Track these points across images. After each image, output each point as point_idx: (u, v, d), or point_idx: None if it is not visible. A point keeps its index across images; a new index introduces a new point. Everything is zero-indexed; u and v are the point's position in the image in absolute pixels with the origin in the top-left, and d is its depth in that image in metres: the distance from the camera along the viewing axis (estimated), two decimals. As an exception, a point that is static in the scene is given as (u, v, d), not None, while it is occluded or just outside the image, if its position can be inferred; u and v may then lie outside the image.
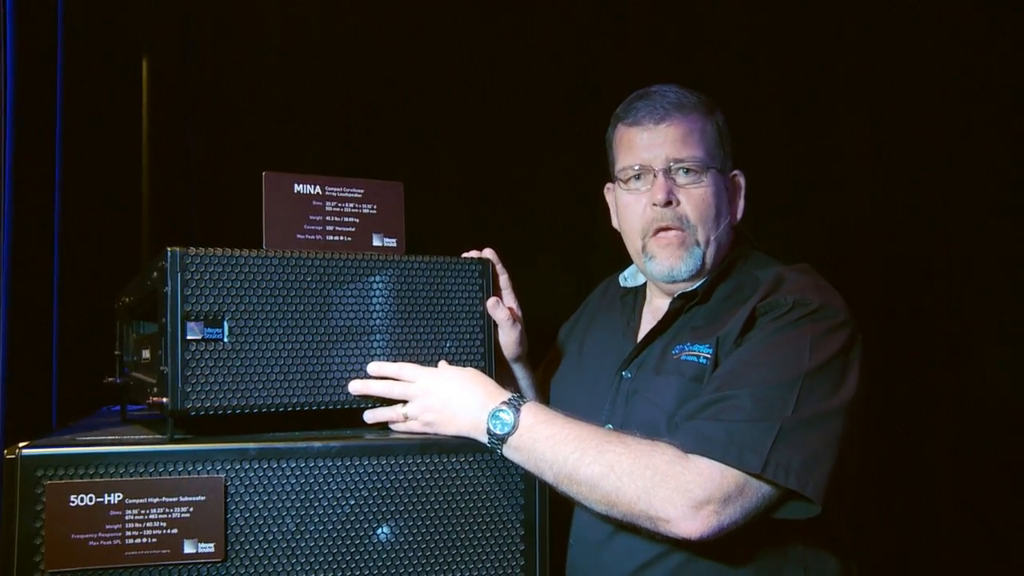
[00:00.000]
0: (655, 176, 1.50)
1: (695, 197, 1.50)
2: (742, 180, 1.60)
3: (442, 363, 1.40)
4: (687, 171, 1.50)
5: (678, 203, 1.49)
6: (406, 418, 1.35)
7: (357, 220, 1.43)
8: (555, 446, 1.27)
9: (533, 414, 1.30)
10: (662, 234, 1.51)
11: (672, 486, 1.22)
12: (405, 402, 1.36)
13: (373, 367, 1.35)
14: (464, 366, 1.42)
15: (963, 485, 2.51)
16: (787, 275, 1.45)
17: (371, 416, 1.36)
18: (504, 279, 1.53)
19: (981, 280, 2.51)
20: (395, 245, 1.45)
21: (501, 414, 1.30)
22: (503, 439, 1.29)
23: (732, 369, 1.35)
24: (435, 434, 1.34)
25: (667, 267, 1.51)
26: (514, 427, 1.29)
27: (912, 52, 2.54)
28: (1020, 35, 2.49)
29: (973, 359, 2.52)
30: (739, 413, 1.27)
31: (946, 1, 2.52)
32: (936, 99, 2.54)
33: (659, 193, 1.49)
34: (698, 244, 1.50)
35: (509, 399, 1.32)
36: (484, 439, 1.31)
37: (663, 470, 1.23)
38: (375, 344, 1.36)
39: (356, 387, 1.34)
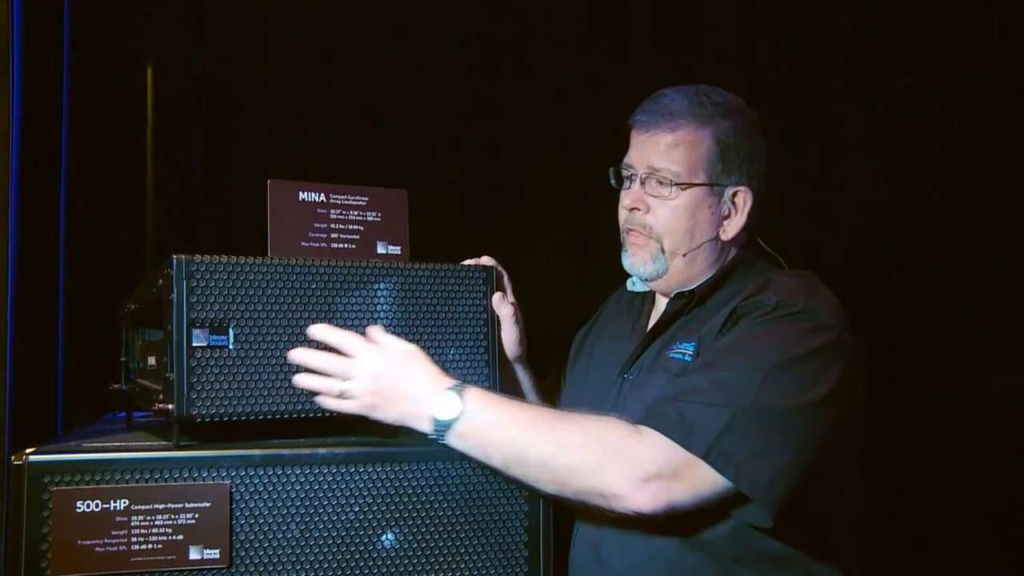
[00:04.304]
0: (633, 180, 1.53)
1: (662, 209, 1.49)
2: (747, 198, 1.50)
3: (376, 332, 1.32)
4: (660, 182, 1.49)
5: (647, 211, 1.51)
6: (342, 394, 1.28)
7: (361, 228, 1.44)
8: (503, 429, 1.25)
9: (477, 398, 1.27)
10: (631, 234, 1.55)
11: (624, 460, 1.21)
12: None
13: (315, 330, 1.29)
14: (468, 372, 1.42)
15: (967, 491, 2.50)
16: (776, 278, 1.44)
17: (302, 381, 1.28)
18: (505, 279, 1.53)
19: (985, 284, 2.52)
20: (399, 253, 1.46)
21: (446, 399, 1.26)
22: (448, 425, 1.25)
23: (704, 361, 1.34)
24: (369, 417, 1.29)
25: (632, 263, 1.55)
26: (460, 413, 1.25)
27: (916, 52, 2.55)
28: (1021, 34, 2.50)
29: (978, 363, 2.52)
30: (696, 395, 1.26)
31: (948, 1, 2.54)
32: (942, 100, 2.54)
33: (626, 199, 1.53)
34: (663, 252, 1.51)
35: (452, 385, 1.28)
36: (426, 427, 1.27)
37: (615, 444, 1.22)
38: (379, 351, 1.36)
39: (296, 355, 1.27)
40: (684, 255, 1.50)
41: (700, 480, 1.22)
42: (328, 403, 1.30)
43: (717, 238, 1.52)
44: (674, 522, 1.27)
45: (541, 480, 1.26)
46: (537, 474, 1.25)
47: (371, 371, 1.28)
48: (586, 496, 1.24)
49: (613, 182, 1.59)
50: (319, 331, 1.30)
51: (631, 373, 1.54)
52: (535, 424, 1.26)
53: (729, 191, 1.50)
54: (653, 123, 1.50)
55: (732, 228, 1.52)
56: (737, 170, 1.50)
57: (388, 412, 1.29)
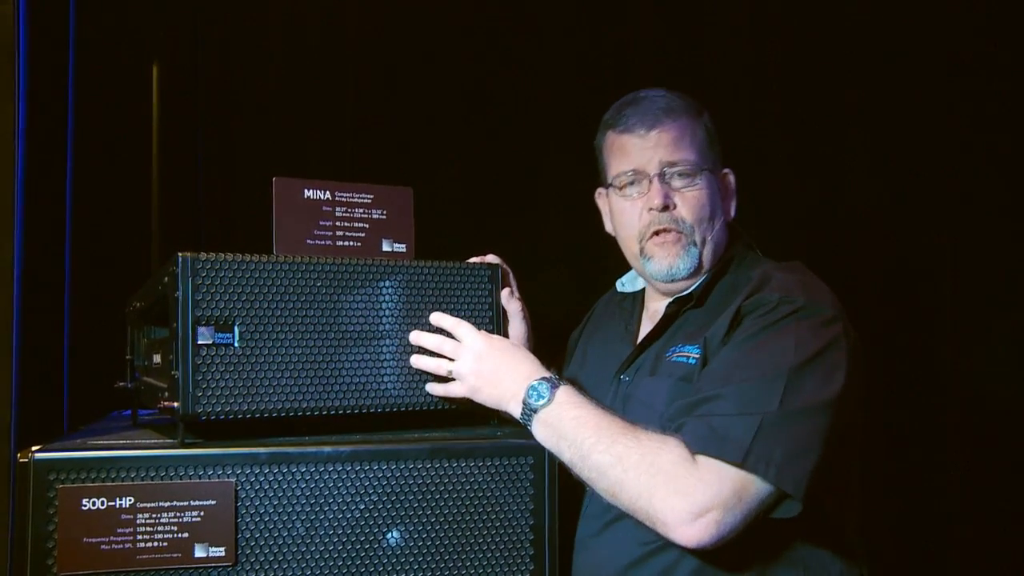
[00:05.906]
0: (650, 181, 1.51)
1: (690, 199, 1.51)
2: (733, 179, 1.62)
3: (481, 333, 1.41)
4: (681, 174, 1.51)
5: (674, 206, 1.51)
6: (450, 374, 1.38)
7: (367, 225, 1.44)
8: (577, 428, 1.30)
9: (567, 393, 1.34)
10: (659, 235, 1.52)
11: (674, 489, 1.21)
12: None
13: (435, 317, 1.40)
14: None
15: (971, 486, 2.49)
16: (774, 273, 1.45)
17: (417, 362, 1.39)
18: (510, 276, 1.55)
19: (985, 279, 2.51)
20: (404, 250, 1.46)
21: (539, 387, 1.34)
22: (535, 410, 1.33)
23: (718, 369, 1.34)
24: (470, 399, 1.39)
25: (666, 266, 1.52)
26: (548, 401, 1.32)
27: (914, 50, 2.55)
28: (1021, 33, 2.50)
29: (979, 358, 2.51)
30: (721, 407, 1.26)
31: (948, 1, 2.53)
32: (940, 95, 2.54)
33: (656, 198, 1.50)
34: (695, 244, 1.51)
35: (549, 376, 1.36)
36: (516, 410, 1.35)
37: (667, 470, 1.22)
38: (385, 349, 1.37)
39: (414, 336, 1.38)
40: (710, 240, 1.53)
41: (748, 504, 1.22)
42: (436, 389, 1.40)
43: (724, 220, 1.57)
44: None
45: (598, 486, 1.29)
46: (595, 479, 1.29)
47: (476, 352, 1.38)
48: (635, 514, 1.26)
49: (621, 195, 1.56)
50: (435, 317, 1.40)
51: (627, 375, 1.54)
52: (604, 431, 1.28)
53: (720, 174, 1.59)
54: (653, 121, 1.52)
55: (731, 208, 1.60)
56: (721, 154, 1.59)
57: (488, 394, 1.38)
